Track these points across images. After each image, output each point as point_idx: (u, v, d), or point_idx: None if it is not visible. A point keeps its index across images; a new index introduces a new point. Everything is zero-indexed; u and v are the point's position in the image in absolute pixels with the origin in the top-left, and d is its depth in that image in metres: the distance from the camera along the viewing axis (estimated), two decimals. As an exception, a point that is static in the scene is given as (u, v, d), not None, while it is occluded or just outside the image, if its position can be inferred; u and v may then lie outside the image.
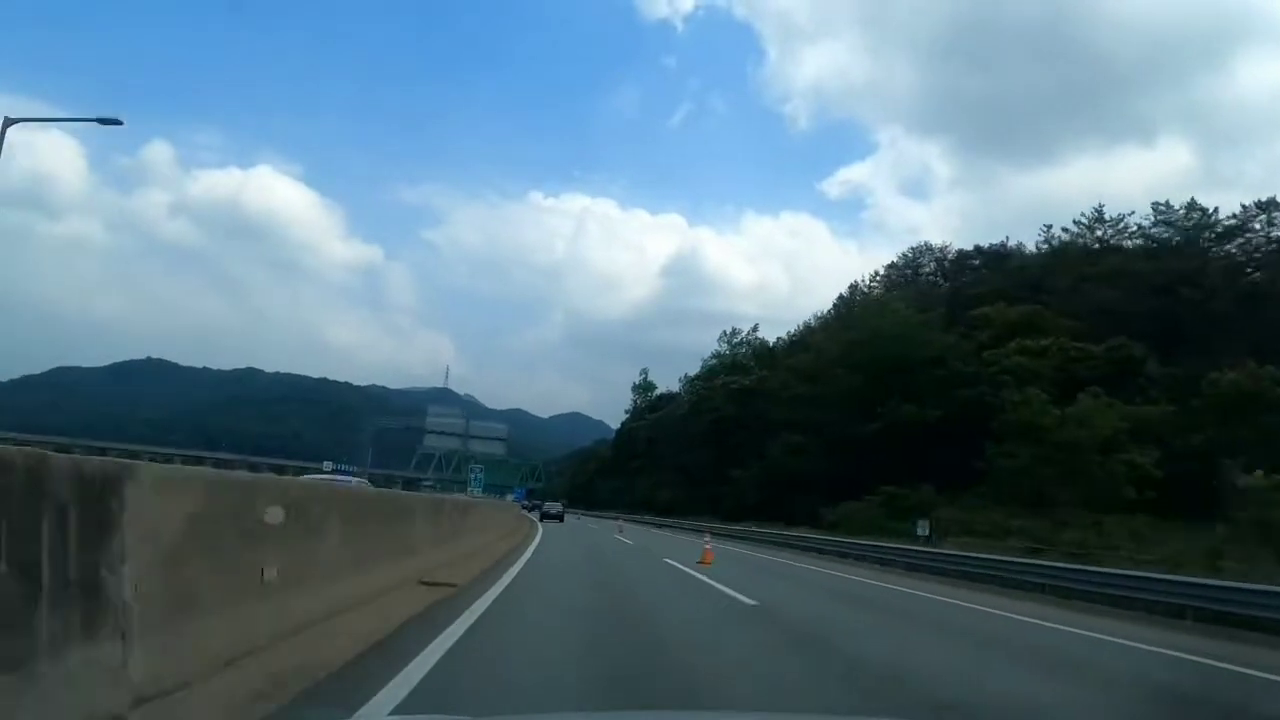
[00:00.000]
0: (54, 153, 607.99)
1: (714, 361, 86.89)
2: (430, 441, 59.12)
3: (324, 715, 3.51)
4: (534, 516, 47.31)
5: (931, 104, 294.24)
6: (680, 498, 66.07)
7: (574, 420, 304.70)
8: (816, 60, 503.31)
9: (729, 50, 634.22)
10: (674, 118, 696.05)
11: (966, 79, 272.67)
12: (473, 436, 58.55)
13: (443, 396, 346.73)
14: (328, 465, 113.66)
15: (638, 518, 64.82)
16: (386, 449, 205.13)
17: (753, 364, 65.70)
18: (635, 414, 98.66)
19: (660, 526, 56.19)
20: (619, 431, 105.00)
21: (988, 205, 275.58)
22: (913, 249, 69.14)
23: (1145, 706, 6.04)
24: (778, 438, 52.65)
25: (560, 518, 51.52)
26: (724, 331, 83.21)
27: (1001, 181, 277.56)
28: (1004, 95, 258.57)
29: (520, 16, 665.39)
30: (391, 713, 3.69)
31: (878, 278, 69.92)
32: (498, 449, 60.94)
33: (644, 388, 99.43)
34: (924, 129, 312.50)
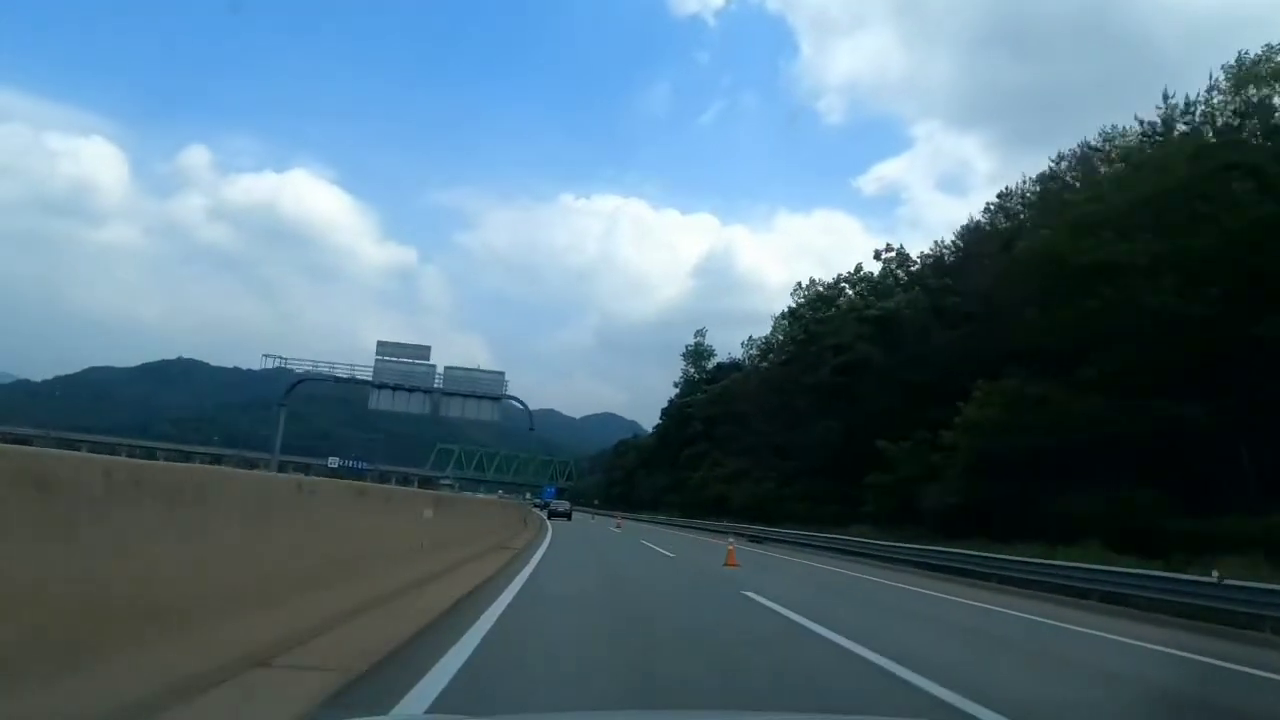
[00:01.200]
0: (98, 160, 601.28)
1: (786, 323, 62.33)
2: (381, 403, 36.26)
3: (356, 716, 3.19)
4: (545, 515, 42.05)
5: (970, 96, 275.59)
6: (777, 495, 41.80)
7: (607, 420, 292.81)
8: (851, 54, 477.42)
9: (761, 45, 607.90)
10: (705, 115, 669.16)
11: (1007, 70, 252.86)
12: (447, 393, 35.20)
13: None
14: (333, 461, 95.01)
15: (713, 526, 40.67)
16: (404, 446, 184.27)
17: (895, 285, 41.22)
18: (687, 387, 74.36)
19: (800, 546, 31.91)
20: (665, 411, 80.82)
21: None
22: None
23: None
24: (964, 386, 28.09)
25: (568, 515, 47.68)
26: (799, 284, 58.60)
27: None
28: (1046, 85, 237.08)
29: (550, 17, 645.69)
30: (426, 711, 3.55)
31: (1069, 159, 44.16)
32: (487, 414, 37.26)
33: (698, 354, 75.00)
34: (962, 122, 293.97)
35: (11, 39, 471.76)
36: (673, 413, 75.67)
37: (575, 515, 49.74)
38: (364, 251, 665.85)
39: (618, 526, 37.90)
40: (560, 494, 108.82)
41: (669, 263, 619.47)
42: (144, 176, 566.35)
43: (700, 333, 74.58)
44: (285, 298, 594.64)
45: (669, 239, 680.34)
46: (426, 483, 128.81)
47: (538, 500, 79.75)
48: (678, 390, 76.42)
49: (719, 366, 72.02)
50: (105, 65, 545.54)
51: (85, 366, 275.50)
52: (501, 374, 37.28)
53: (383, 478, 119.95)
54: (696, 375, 74.14)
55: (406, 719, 3.29)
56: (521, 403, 38.99)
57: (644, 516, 62.56)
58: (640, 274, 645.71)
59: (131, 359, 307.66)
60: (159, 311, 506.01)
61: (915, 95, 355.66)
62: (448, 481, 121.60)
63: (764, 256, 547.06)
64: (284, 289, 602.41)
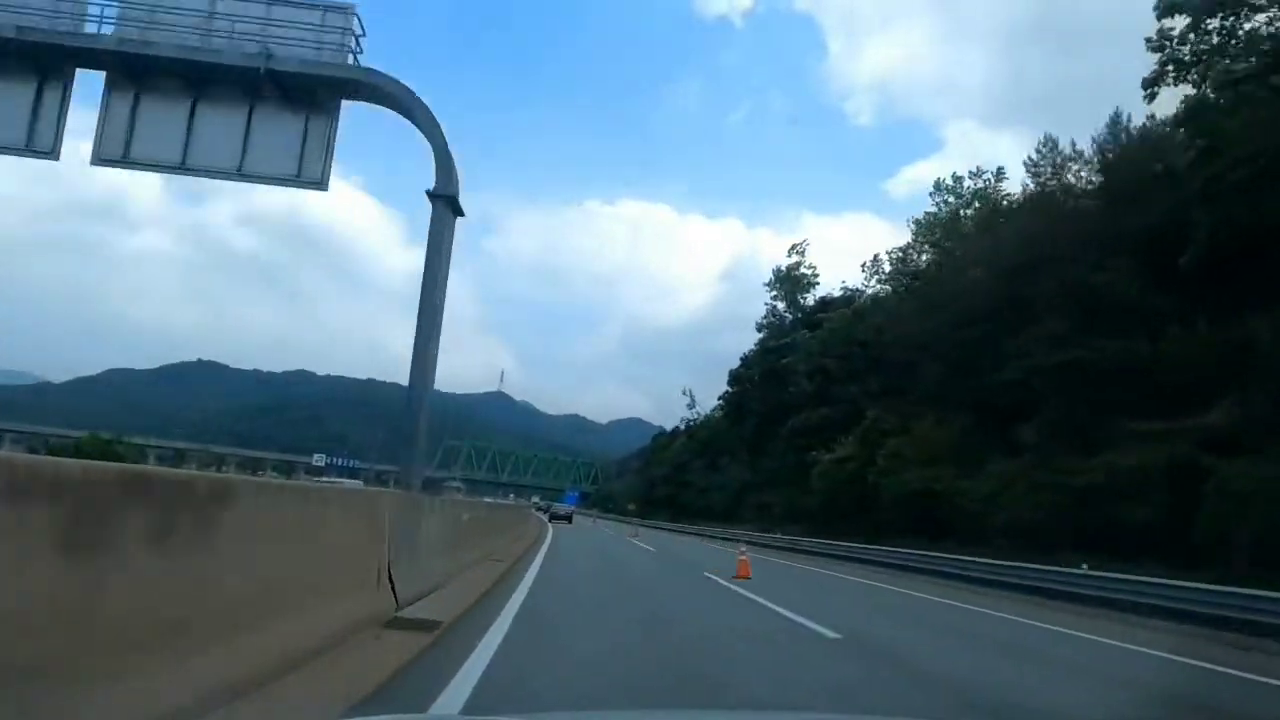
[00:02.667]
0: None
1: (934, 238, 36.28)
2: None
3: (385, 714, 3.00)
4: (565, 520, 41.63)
5: (1006, 94, 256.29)
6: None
7: (633, 426, 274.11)
8: (881, 53, 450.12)
9: (789, 46, 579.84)
10: (732, 118, 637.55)
11: (1046, 65, 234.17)
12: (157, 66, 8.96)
13: (498, 400, 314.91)
14: (318, 459, 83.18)
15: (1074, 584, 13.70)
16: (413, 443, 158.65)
17: None
18: (778, 329, 47.56)
19: None
20: (734, 375, 53.86)
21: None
22: None
23: None
24: None
25: (569, 519, 43.70)
26: (937, 181, 32.30)
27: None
28: (1087, 79, 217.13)
29: (576, 21, 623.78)
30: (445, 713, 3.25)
31: None
32: (283, 157, 10.77)
33: (793, 282, 48.06)
34: (998, 121, 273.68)
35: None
36: (752, 371, 48.65)
37: (602, 530, 36.97)
38: (390, 256, 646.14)
39: (741, 577, 11.52)
40: (584, 499, 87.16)
41: (695, 268, 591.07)
42: (174, 184, 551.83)
43: (799, 249, 47.17)
44: (309, 301, 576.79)
45: (695, 244, 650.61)
46: (431, 485, 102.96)
47: (542, 504, 59.81)
48: (763, 334, 49.22)
49: (824, 302, 45.26)
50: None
51: (105, 368, 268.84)
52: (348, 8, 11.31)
53: (379, 479, 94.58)
54: (792, 314, 47.25)
55: (440, 719, 3.10)
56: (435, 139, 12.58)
57: (716, 531, 36.18)
58: (666, 279, 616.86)
59: (152, 362, 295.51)
60: (182, 316, 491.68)
61: (947, 95, 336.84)
62: (455, 484, 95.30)
63: (791, 261, 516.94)
64: (309, 293, 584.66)
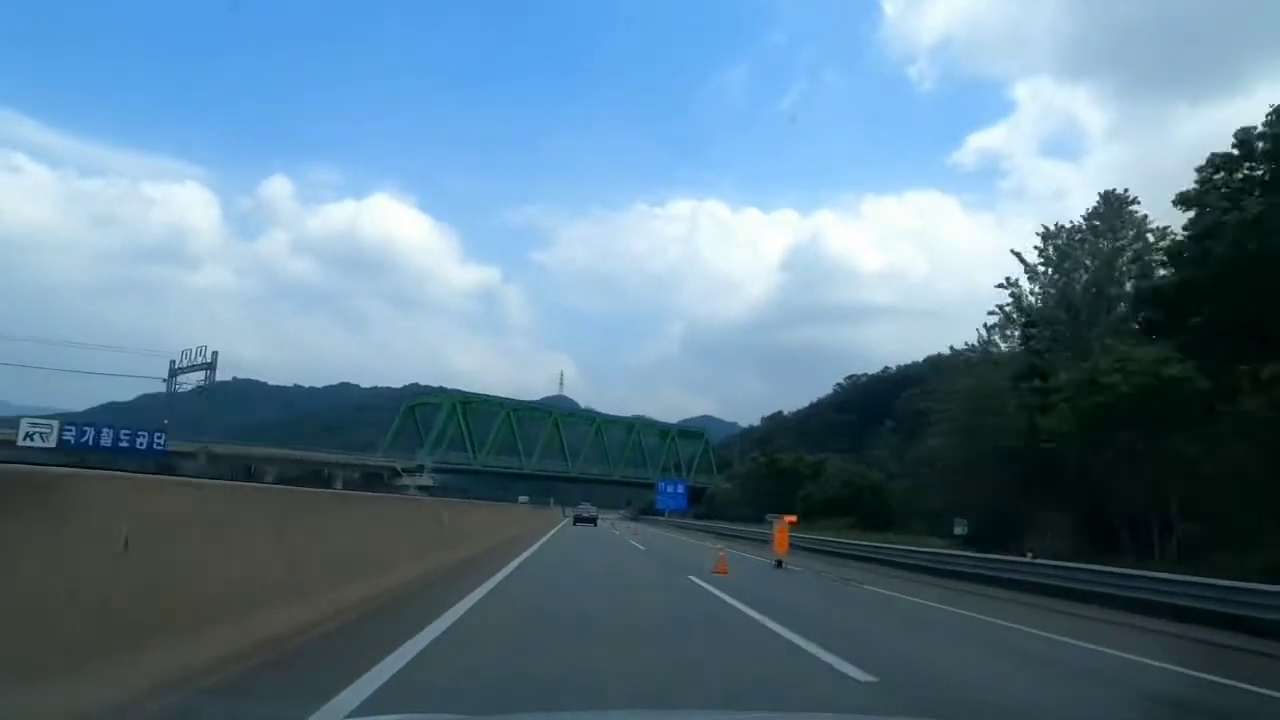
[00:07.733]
0: (191, 205, 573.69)
1: None
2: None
3: (286, 713, 3.17)
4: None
5: (1081, 42, 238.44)
6: None
7: (705, 423, 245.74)
8: (942, 9, 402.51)
9: (841, 11, 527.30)
10: (783, 102, 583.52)
11: (1124, 4, 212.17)
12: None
13: (560, 404, 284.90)
14: (32, 431, 57.69)
15: None
16: (403, 435, 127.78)
17: None
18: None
19: None
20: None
21: (1154, 156, 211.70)
22: None
23: None
24: None
25: (593, 521, 42.44)
26: None
27: (1172, 124, 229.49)
28: (1172, 16, 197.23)
29: (616, 20, 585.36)
30: (351, 714, 3.26)
31: None
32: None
33: None
34: (1073, 73, 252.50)
35: (118, 98, 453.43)
36: None
37: None
38: (446, 273, 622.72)
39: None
40: (698, 498, 63.04)
41: (753, 262, 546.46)
42: (232, 216, 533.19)
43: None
44: (362, 319, 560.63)
45: (751, 238, 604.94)
46: (375, 480, 56.66)
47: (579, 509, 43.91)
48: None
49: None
50: (197, 117, 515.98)
51: (138, 394, 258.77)
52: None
53: (249, 472, 61.28)
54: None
55: (440, 719, 3.12)
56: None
57: None
58: (724, 276, 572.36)
59: (187, 384, 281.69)
60: (239, 342, 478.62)
61: (1016, 50, 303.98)
62: (422, 481, 56.91)
63: (854, 245, 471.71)
64: (363, 311, 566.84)
